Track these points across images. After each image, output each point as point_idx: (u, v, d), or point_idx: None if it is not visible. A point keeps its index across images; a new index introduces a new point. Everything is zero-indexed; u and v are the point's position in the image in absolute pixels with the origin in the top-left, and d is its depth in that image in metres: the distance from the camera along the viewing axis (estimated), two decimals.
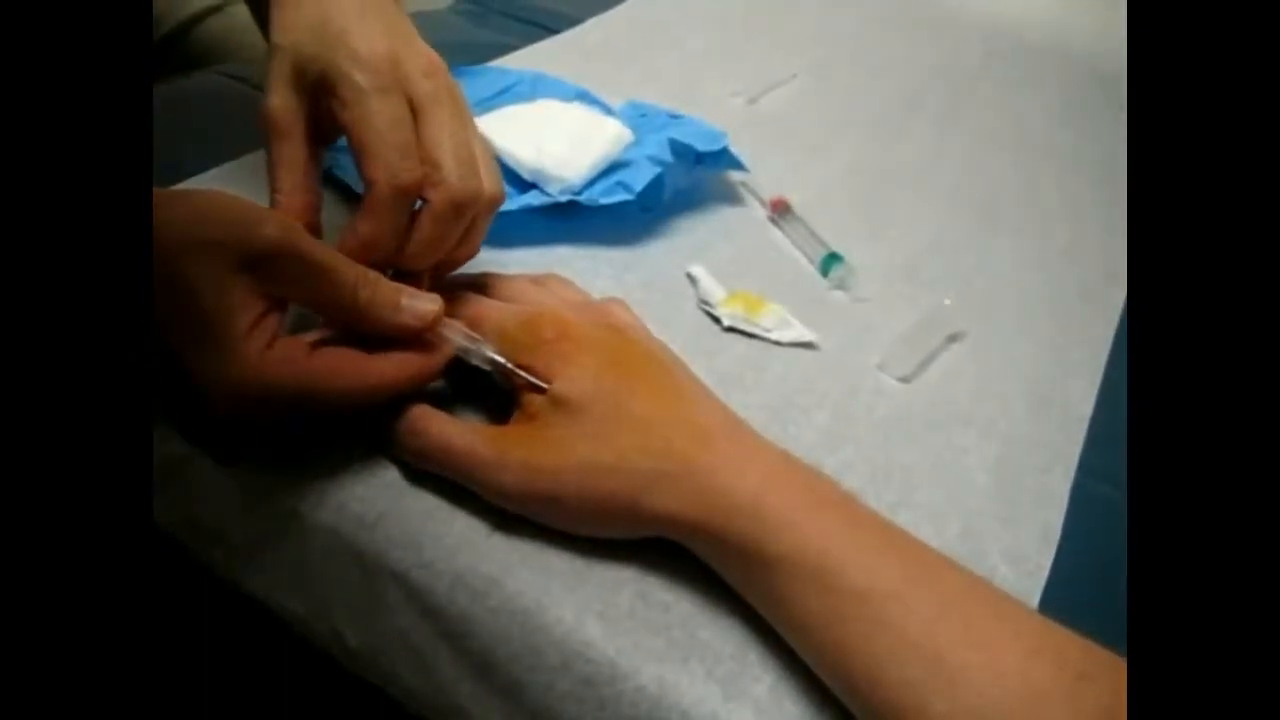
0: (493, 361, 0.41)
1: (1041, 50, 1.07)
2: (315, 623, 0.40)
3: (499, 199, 0.43)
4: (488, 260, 0.54)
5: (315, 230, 0.42)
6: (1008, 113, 0.90)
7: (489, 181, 0.42)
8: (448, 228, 0.41)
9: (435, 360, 0.40)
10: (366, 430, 0.41)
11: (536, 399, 0.39)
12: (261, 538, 0.40)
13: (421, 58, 0.42)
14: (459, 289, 0.45)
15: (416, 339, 0.39)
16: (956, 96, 0.92)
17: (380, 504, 0.39)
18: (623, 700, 0.35)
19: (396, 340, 0.39)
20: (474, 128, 0.43)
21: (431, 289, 0.44)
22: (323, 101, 0.40)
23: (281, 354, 0.36)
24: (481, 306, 0.43)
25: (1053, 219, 0.72)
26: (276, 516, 0.40)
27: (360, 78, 0.39)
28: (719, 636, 0.37)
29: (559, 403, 0.38)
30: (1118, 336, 0.59)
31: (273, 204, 0.41)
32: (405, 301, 0.39)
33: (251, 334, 0.35)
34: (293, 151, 0.41)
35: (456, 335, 0.41)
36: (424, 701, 0.38)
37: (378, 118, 0.39)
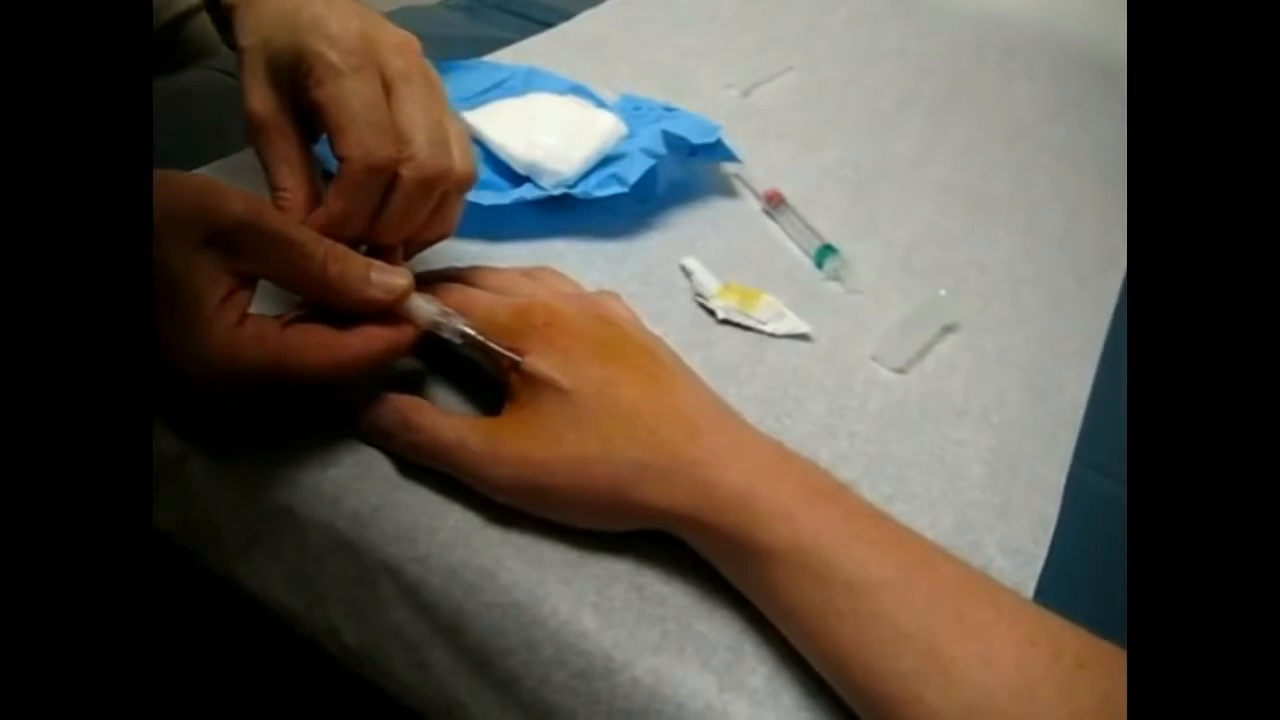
0: (464, 334, 0.40)
1: (1035, 41, 1.06)
2: (311, 619, 0.40)
3: (470, 177, 0.43)
4: (480, 254, 0.54)
5: None
6: (1001, 104, 0.90)
7: (460, 159, 0.42)
8: (417, 203, 0.41)
9: (406, 334, 0.40)
10: (358, 424, 0.41)
11: (526, 386, 0.39)
12: (255, 534, 0.40)
13: (394, 35, 0.42)
14: (451, 281, 0.45)
15: (387, 314, 0.39)
16: (950, 88, 0.91)
17: (374, 498, 0.39)
18: (617, 693, 0.35)
19: (369, 317, 0.39)
20: (447, 106, 0.43)
21: (423, 281, 0.44)
22: (299, 85, 0.40)
23: (252, 330, 0.36)
24: (473, 297, 0.43)
25: (1046, 210, 0.72)
26: (270, 513, 0.40)
27: (334, 57, 0.39)
28: (715, 628, 0.37)
29: (547, 389, 0.38)
30: (1112, 327, 0.59)
31: (276, 202, 0.40)
32: (375, 276, 0.39)
33: (221, 311, 0.35)
34: (287, 148, 0.41)
35: (428, 309, 0.40)
36: (420, 696, 0.38)
37: (353, 97, 0.39)
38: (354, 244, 0.40)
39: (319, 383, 0.38)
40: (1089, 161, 0.81)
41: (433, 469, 0.40)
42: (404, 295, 0.39)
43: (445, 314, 0.41)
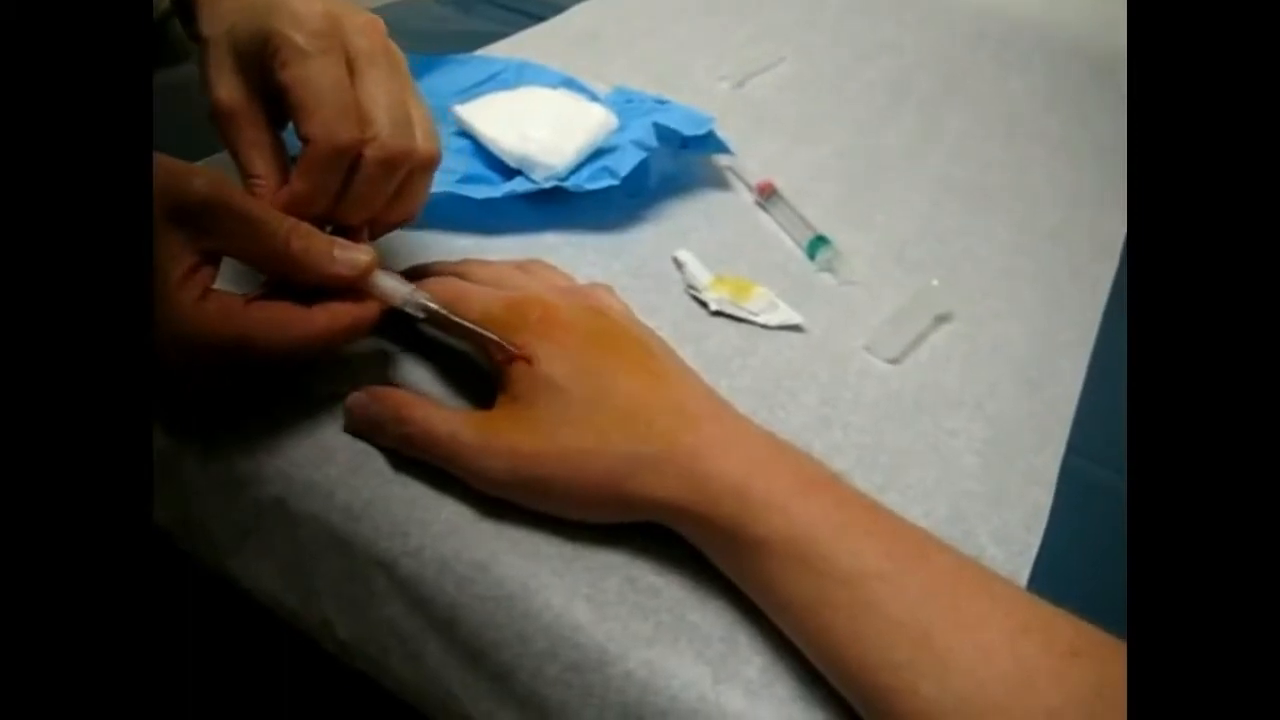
0: (427, 309, 0.41)
1: (1030, 32, 1.06)
2: (305, 614, 0.40)
3: (434, 158, 0.43)
4: (472, 247, 0.54)
5: None
6: (996, 95, 0.90)
7: (423, 140, 0.42)
8: (380, 183, 0.41)
9: (370, 310, 0.40)
10: (351, 418, 0.41)
11: (519, 379, 0.39)
12: (248, 530, 0.40)
13: (360, 17, 0.42)
14: (443, 275, 0.45)
15: (352, 290, 0.39)
16: (944, 80, 0.91)
17: (366, 492, 0.39)
18: (611, 685, 0.35)
19: (335, 295, 0.39)
20: (411, 87, 0.43)
21: (415, 275, 0.44)
22: (265, 69, 0.40)
23: (216, 305, 0.36)
24: (465, 290, 0.43)
25: (1041, 201, 0.72)
26: (262, 508, 0.40)
27: (300, 39, 0.39)
28: (708, 620, 0.37)
29: (542, 383, 0.38)
30: (1105, 317, 0.59)
31: (250, 189, 0.40)
32: (338, 252, 0.39)
33: (184, 286, 0.35)
34: (257, 134, 0.41)
35: (394, 285, 0.41)
36: (414, 690, 0.38)
37: (317, 78, 0.39)
38: (319, 225, 0.40)
39: (285, 359, 0.38)
40: (1084, 153, 0.81)
41: (426, 463, 0.40)
42: (367, 271, 0.39)
43: (412, 290, 0.41)
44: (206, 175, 0.36)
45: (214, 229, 0.36)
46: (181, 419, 0.41)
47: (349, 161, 0.40)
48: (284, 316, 0.38)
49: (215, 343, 0.36)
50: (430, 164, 0.43)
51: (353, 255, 0.39)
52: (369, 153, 0.40)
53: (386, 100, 0.40)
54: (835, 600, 0.33)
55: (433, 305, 0.41)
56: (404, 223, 0.45)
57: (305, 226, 0.38)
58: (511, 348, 0.39)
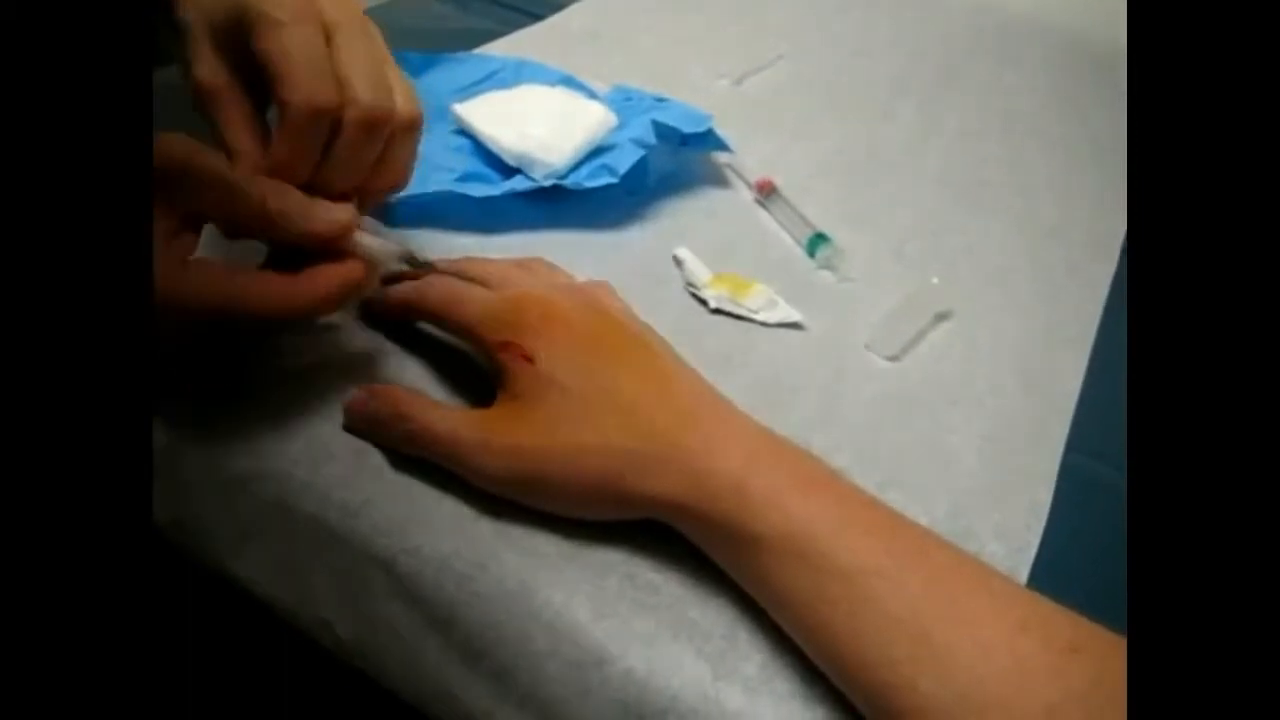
0: (412, 260, 0.40)
1: (1029, 29, 1.06)
2: (303, 613, 0.40)
3: (415, 119, 0.43)
4: (473, 246, 0.54)
5: None
6: (995, 92, 0.90)
7: (404, 102, 0.42)
8: (362, 148, 0.41)
9: (355, 270, 0.40)
10: (351, 415, 0.41)
11: (518, 377, 0.39)
12: (247, 530, 0.40)
13: None
14: (443, 273, 0.45)
15: (336, 253, 0.39)
16: (943, 76, 0.91)
17: (365, 490, 0.39)
18: (610, 684, 0.35)
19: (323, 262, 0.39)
20: (388, 55, 0.43)
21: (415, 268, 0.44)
22: (242, 42, 0.40)
23: (199, 271, 0.36)
24: (465, 289, 0.43)
25: (1040, 198, 0.72)
26: (260, 506, 0.39)
27: (274, 10, 0.39)
28: (708, 617, 0.37)
29: (542, 381, 0.38)
30: (1105, 313, 0.59)
31: (235, 167, 0.40)
32: (316, 211, 0.39)
33: (164, 252, 0.35)
34: (239, 113, 0.41)
35: (377, 243, 0.40)
36: (414, 689, 0.38)
37: (294, 45, 0.39)
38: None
39: (271, 324, 0.38)
40: (1083, 150, 0.81)
41: (425, 461, 0.40)
42: (347, 228, 0.39)
43: (399, 244, 0.41)
44: (182, 140, 0.36)
45: (192, 192, 0.36)
46: (181, 417, 0.41)
47: (328, 125, 0.40)
48: (267, 283, 0.38)
49: (198, 308, 0.36)
50: (412, 125, 0.43)
51: (332, 213, 0.39)
52: (349, 115, 0.40)
53: (364, 65, 0.40)
54: (834, 597, 0.33)
55: (417, 256, 0.40)
56: (393, 190, 0.45)
57: (283, 186, 0.38)
58: (497, 323, 0.39)
